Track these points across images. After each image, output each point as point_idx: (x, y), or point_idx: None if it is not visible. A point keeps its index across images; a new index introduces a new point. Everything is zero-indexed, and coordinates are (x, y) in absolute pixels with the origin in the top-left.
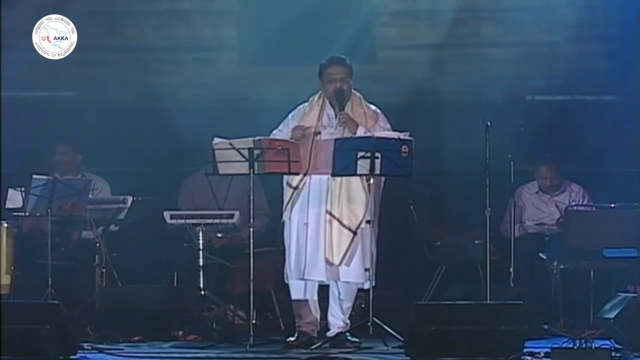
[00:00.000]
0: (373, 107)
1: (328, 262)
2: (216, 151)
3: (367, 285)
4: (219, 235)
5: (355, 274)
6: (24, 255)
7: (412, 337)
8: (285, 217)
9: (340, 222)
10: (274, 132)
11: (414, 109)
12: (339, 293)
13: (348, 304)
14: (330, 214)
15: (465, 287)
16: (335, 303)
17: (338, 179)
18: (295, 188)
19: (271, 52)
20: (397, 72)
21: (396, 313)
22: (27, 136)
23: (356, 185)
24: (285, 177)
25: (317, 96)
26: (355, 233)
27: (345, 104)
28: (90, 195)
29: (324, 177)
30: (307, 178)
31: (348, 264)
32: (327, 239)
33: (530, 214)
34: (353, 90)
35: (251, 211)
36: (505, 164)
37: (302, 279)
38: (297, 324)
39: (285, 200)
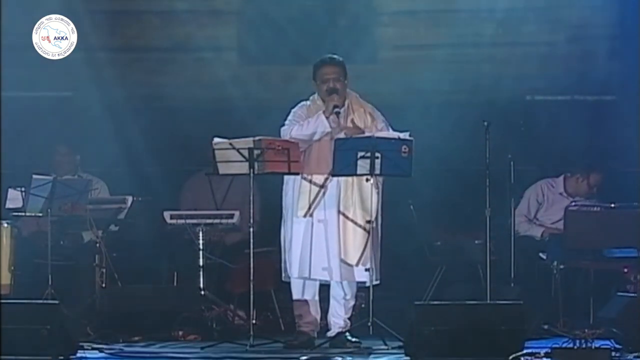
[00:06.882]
0: (370, 105)
1: (344, 263)
2: (216, 151)
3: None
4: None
5: (367, 274)
6: (24, 255)
7: (412, 337)
8: (299, 215)
9: (355, 223)
10: (289, 128)
11: (414, 109)
12: (345, 294)
13: (352, 303)
14: (344, 214)
15: (465, 287)
16: (340, 304)
17: (351, 179)
18: (322, 186)
19: (271, 52)
20: (397, 72)
21: (396, 313)
22: (27, 136)
23: (367, 185)
24: (307, 176)
25: (317, 98)
26: (369, 233)
27: (342, 103)
28: (89, 196)
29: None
30: (330, 176)
31: (365, 264)
32: (342, 239)
33: (549, 212)
34: (349, 90)
35: (251, 211)
36: (505, 164)
37: (308, 278)
38: (297, 324)
39: (309, 198)
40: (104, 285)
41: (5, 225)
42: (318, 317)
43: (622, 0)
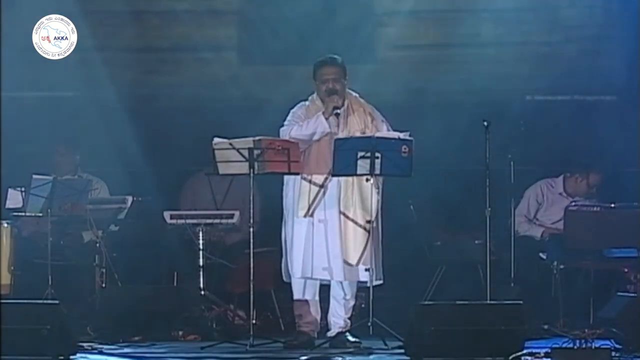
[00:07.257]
0: (370, 105)
1: (346, 263)
2: (216, 151)
3: (375, 282)
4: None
5: (367, 274)
6: (24, 255)
7: (412, 337)
8: (300, 215)
9: (356, 223)
10: (288, 129)
11: (414, 109)
12: (345, 294)
13: (352, 303)
14: (344, 214)
15: (465, 287)
16: (340, 304)
17: (351, 179)
18: (321, 186)
19: (271, 52)
20: (397, 72)
21: (396, 313)
22: (27, 136)
23: (367, 185)
24: (306, 176)
25: (316, 98)
26: (369, 233)
27: (341, 104)
28: (89, 196)
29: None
30: (329, 176)
31: (365, 264)
32: (344, 239)
33: (549, 212)
34: (348, 90)
35: (251, 211)
36: (505, 164)
37: (310, 277)
38: (297, 324)
39: (308, 198)
40: (104, 285)
41: (5, 225)
42: (318, 317)
43: (622, 0)
